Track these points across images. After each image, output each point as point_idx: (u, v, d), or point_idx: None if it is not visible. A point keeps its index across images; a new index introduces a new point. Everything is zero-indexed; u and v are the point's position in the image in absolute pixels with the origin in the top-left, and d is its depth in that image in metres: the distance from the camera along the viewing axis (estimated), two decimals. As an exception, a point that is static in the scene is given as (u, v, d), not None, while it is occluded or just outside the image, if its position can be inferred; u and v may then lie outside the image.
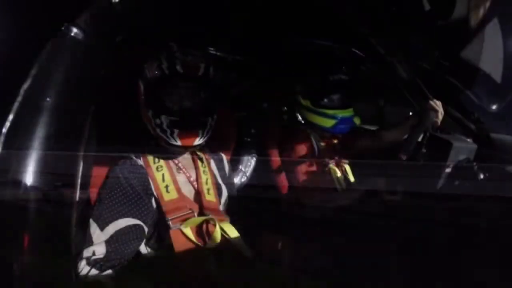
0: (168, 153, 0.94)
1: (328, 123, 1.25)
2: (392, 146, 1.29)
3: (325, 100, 1.26)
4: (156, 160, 0.91)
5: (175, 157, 0.95)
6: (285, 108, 1.49)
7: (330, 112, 1.25)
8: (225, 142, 1.26)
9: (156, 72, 0.85)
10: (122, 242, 0.78)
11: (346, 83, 1.30)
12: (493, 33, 0.93)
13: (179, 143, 0.85)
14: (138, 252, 0.84)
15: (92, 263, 0.73)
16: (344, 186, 1.30)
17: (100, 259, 0.74)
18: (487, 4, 0.88)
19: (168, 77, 0.85)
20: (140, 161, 0.90)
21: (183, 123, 0.85)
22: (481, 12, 0.87)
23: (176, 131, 0.84)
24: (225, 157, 1.11)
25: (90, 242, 0.76)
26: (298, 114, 1.35)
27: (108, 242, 0.77)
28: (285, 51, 1.35)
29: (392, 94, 1.67)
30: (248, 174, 1.35)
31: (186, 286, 0.84)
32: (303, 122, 1.34)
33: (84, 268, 0.72)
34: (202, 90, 0.89)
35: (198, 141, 0.87)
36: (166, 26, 1.06)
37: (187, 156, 0.99)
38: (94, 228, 0.78)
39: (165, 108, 0.86)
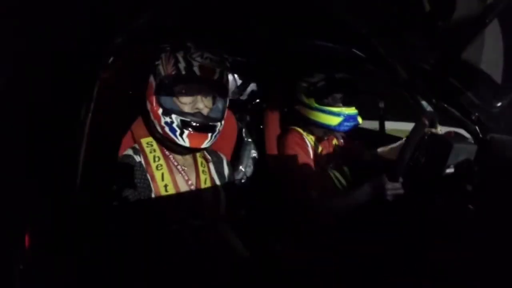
0: (170, 150, 0.94)
1: (334, 121, 1.23)
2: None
3: (330, 98, 1.25)
4: (156, 158, 0.91)
5: (175, 158, 0.95)
6: (285, 108, 1.49)
7: (336, 109, 1.23)
8: (225, 142, 1.26)
9: (173, 70, 0.84)
10: (120, 239, 0.79)
11: (350, 81, 1.29)
12: (493, 34, 0.93)
13: (187, 144, 0.85)
14: (139, 252, 0.85)
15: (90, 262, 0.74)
16: (345, 187, 1.30)
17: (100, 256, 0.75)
18: (488, 5, 0.88)
19: (185, 77, 0.85)
20: (139, 158, 0.90)
21: (195, 124, 0.85)
22: (482, 12, 0.87)
23: (186, 132, 0.84)
24: (225, 159, 1.11)
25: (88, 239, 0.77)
26: (300, 113, 1.32)
27: (105, 239, 0.78)
28: (285, 51, 1.35)
29: (392, 94, 1.67)
30: (248, 174, 1.35)
31: (184, 286, 0.84)
32: (303, 122, 1.32)
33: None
34: (215, 93, 0.90)
35: (206, 143, 0.87)
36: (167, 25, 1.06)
37: (187, 156, 0.99)
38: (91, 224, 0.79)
39: (178, 107, 0.86)
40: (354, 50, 1.08)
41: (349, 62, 1.29)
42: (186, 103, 0.86)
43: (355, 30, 0.92)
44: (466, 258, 0.85)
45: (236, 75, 1.85)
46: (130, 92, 1.09)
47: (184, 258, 0.84)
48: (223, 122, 0.92)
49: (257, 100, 1.61)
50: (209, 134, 0.87)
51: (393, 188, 0.98)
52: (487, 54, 0.90)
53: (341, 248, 1.18)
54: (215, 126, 0.88)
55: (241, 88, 1.88)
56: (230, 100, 0.99)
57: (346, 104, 1.26)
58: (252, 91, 1.85)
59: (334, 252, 1.15)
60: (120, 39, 0.52)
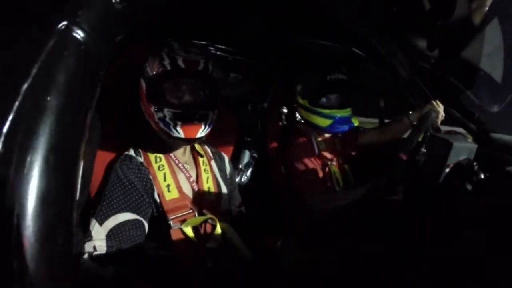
0: (170, 148, 0.95)
1: (325, 122, 1.25)
2: (392, 144, 1.30)
3: (323, 99, 1.26)
4: (158, 159, 0.92)
5: (176, 156, 0.96)
6: (285, 107, 1.49)
7: (327, 111, 1.24)
8: (225, 141, 1.26)
9: (159, 68, 0.87)
10: (122, 237, 0.79)
11: (344, 82, 1.29)
12: (493, 33, 0.93)
13: (182, 135, 0.87)
14: (141, 251, 0.85)
15: (94, 258, 0.74)
16: (342, 186, 1.31)
17: (102, 254, 0.75)
18: (488, 4, 0.88)
19: (170, 72, 0.87)
20: (141, 159, 0.91)
21: (186, 115, 0.87)
22: (482, 12, 0.87)
23: (179, 123, 0.86)
24: (227, 157, 1.12)
25: (89, 237, 0.77)
26: (297, 114, 1.36)
27: (108, 236, 0.77)
28: (285, 50, 1.35)
29: (392, 94, 1.67)
30: (248, 173, 1.35)
31: (186, 285, 0.84)
32: (302, 121, 1.34)
33: (86, 263, 0.73)
34: (202, 84, 0.92)
35: (200, 133, 0.89)
36: (167, 24, 1.06)
37: (188, 155, 1.00)
38: (93, 224, 0.79)
39: (168, 101, 0.88)
40: (355, 50, 1.09)
41: (349, 61, 1.29)
42: (176, 97, 0.89)
43: (355, 29, 0.92)
44: (466, 258, 0.85)
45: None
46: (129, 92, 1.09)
47: (185, 257, 0.84)
48: (216, 111, 0.93)
49: (257, 100, 1.61)
50: (202, 123, 0.89)
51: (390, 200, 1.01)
52: (487, 54, 0.90)
53: (341, 248, 1.18)
54: (207, 115, 0.90)
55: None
56: (230, 100, 0.99)
57: (341, 106, 1.26)
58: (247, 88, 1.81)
59: (334, 252, 1.15)
60: (121, 37, 0.52)
